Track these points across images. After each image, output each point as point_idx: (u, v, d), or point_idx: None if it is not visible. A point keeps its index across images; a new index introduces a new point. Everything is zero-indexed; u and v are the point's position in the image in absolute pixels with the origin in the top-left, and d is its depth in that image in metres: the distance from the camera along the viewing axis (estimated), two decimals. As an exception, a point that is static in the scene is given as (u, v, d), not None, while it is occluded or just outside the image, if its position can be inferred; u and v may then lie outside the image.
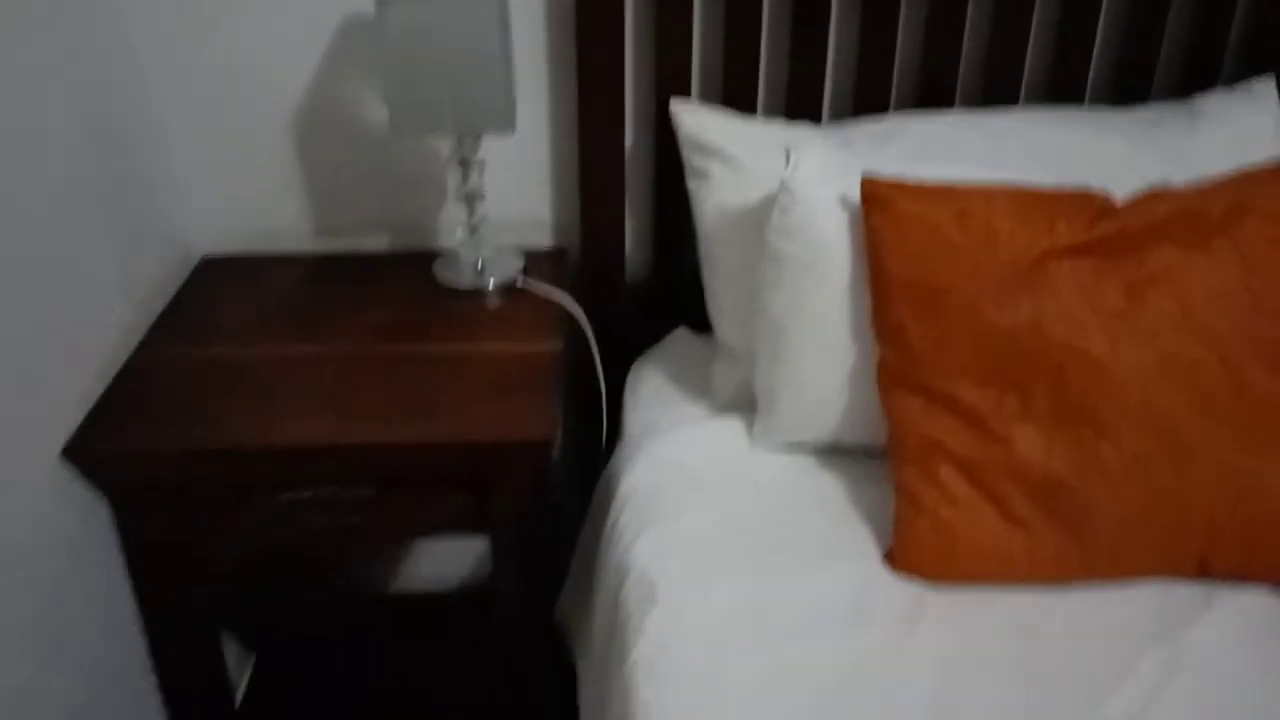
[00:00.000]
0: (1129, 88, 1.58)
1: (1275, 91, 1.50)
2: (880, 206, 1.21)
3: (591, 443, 1.64)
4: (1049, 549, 1.16)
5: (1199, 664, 1.09)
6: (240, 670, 1.83)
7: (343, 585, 2.01)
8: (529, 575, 1.43)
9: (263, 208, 1.66)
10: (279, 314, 1.53)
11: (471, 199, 1.53)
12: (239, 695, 1.79)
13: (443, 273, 1.59)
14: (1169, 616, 1.14)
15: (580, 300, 1.57)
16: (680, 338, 1.66)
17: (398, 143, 1.61)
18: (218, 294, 1.59)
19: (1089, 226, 1.16)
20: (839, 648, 1.10)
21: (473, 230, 1.56)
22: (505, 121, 1.42)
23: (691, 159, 1.49)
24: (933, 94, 1.58)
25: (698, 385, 1.53)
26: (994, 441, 1.17)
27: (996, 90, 1.57)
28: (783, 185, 1.29)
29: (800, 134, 1.47)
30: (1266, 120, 1.46)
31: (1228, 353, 1.13)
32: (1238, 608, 1.15)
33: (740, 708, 1.04)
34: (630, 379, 1.62)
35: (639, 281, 1.73)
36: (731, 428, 1.43)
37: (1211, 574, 1.18)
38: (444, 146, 1.59)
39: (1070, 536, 1.16)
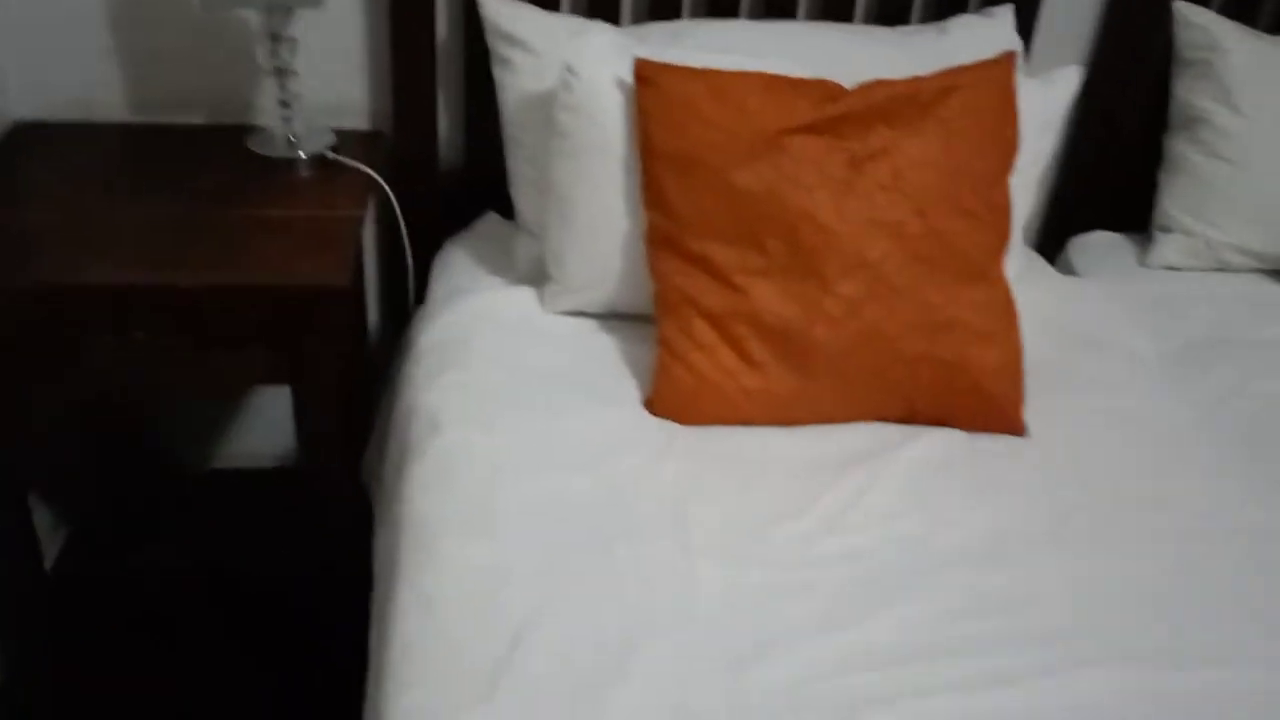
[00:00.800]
0: (891, 16, 1.76)
1: (1012, 16, 1.71)
2: (648, 84, 1.36)
3: (406, 319, 1.75)
4: (782, 389, 1.34)
5: (894, 481, 1.28)
6: (52, 542, 1.89)
7: (162, 460, 2.07)
8: (342, 437, 1.54)
9: (80, 78, 1.71)
10: (94, 178, 1.59)
11: (283, 74, 1.61)
12: (49, 563, 1.85)
13: (256, 146, 1.68)
14: (878, 447, 1.34)
15: (393, 183, 1.68)
16: (489, 220, 1.78)
17: (213, 16, 1.68)
18: (31, 158, 1.63)
19: (822, 108, 1.33)
20: (597, 475, 1.26)
21: (284, 105, 1.64)
22: (312, -5, 1.51)
23: (496, 47, 1.61)
24: (721, 7, 1.73)
25: (500, 261, 1.66)
26: (736, 293, 1.33)
27: (777, 10, 1.74)
28: (568, 65, 1.42)
29: (595, 26, 1.60)
30: (1003, 34, 1.66)
31: (928, 210, 1.32)
32: (935, 439, 1.35)
33: (508, 520, 1.18)
34: (438, 256, 1.73)
35: (453, 168, 1.84)
36: (526, 294, 1.57)
37: (916, 417, 1.38)
38: (255, 21, 1.66)
39: (799, 375, 1.34)
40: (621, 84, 1.40)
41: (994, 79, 1.37)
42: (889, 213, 1.33)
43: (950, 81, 1.36)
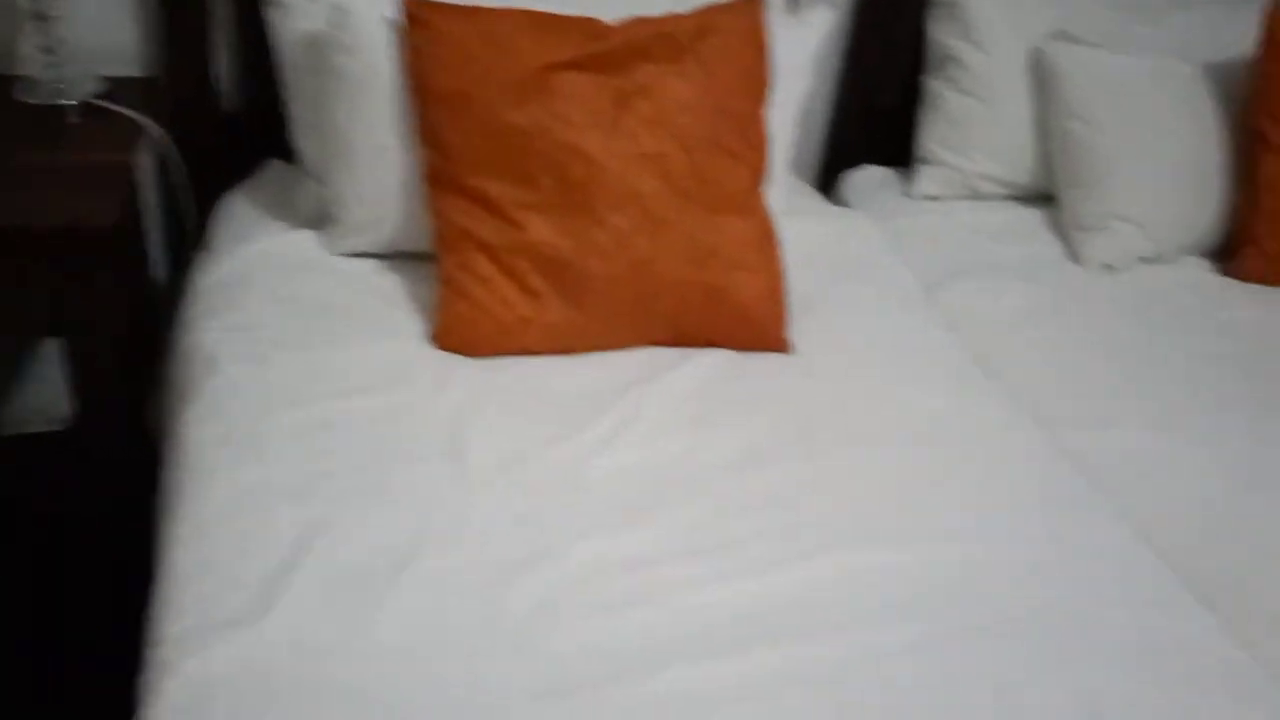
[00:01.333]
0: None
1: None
2: (417, 23, 1.39)
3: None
4: (559, 318, 1.40)
5: (665, 401, 1.36)
6: None
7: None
8: (119, 387, 1.52)
9: None
10: None
11: (43, 19, 1.56)
12: None
13: (21, 94, 1.62)
14: (650, 372, 1.41)
15: (171, 129, 1.65)
16: (272, 168, 1.77)
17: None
18: None
19: (587, 45, 1.39)
20: (374, 403, 1.29)
21: (48, 51, 1.59)
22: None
23: (269, -10, 1.59)
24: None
25: (284, 206, 1.66)
26: (512, 227, 1.38)
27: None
28: (336, 4, 1.43)
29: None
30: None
31: (691, 145, 1.40)
32: (705, 361, 1.44)
33: (280, 446, 1.21)
34: (220, 203, 1.71)
35: (235, 113, 1.81)
36: (309, 237, 1.58)
37: (688, 340, 1.46)
38: (13, -36, 1.60)
39: (574, 305, 1.40)
40: (392, 23, 1.42)
41: (746, 19, 1.45)
42: (654, 148, 1.39)
43: (705, 21, 1.43)
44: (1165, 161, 1.82)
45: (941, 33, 1.94)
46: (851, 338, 1.55)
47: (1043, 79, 1.88)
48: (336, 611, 1.01)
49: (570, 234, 1.38)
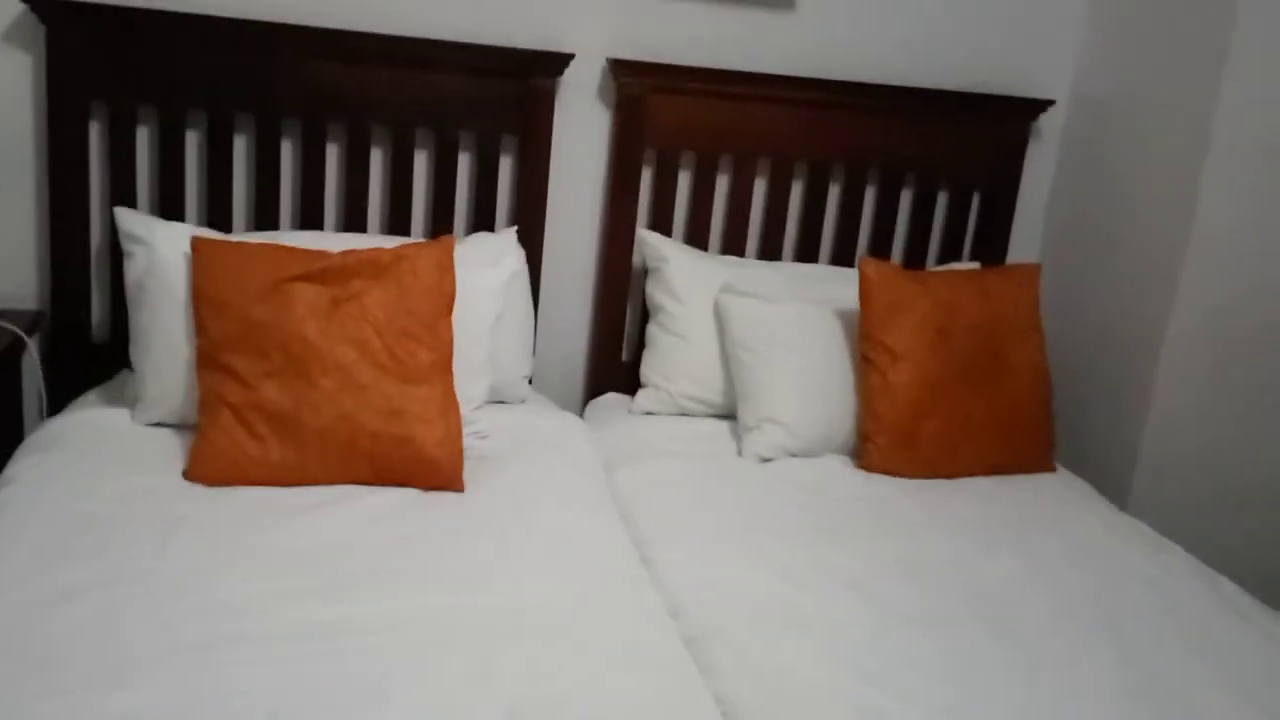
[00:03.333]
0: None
1: (514, 236, 2.44)
2: (200, 253, 1.99)
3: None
4: (279, 458, 1.90)
5: (358, 522, 1.82)
6: None
7: None
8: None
9: None
10: None
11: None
12: None
13: (-68, 314, 2.22)
14: (348, 497, 1.89)
15: (51, 352, 2.25)
16: (122, 375, 2.32)
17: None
18: None
19: (312, 265, 1.98)
20: (125, 509, 1.77)
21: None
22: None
23: (125, 244, 2.22)
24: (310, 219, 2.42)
25: (116, 397, 2.19)
26: (249, 390, 1.91)
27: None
28: (150, 247, 2.05)
29: (195, 229, 2.24)
30: (508, 246, 2.37)
31: (385, 334, 1.95)
32: (392, 494, 1.92)
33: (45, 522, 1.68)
34: (76, 399, 2.25)
35: (104, 340, 2.39)
36: (122, 414, 2.10)
37: (383, 479, 1.94)
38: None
39: (293, 449, 1.90)
40: (186, 256, 2.03)
41: (434, 253, 2.05)
42: (357, 334, 1.95)
43: (402, 253, 2.03)
44: (807, 379, 2.35)
45: (654, 290, 2.55)
46: (521, 486, 2.02)
47: (720, 321, 2.46)
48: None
49: (291, 394, 1.91)
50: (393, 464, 1.95)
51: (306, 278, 1.98)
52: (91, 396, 2.22)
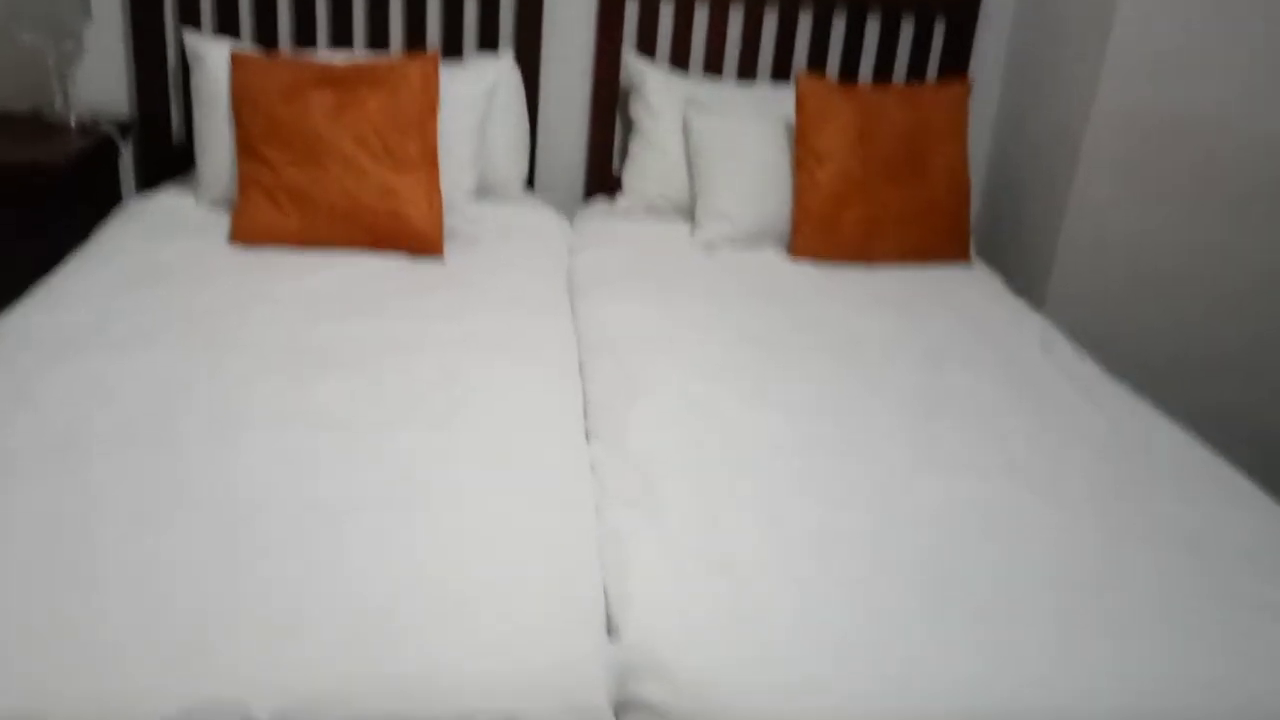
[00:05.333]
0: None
1: (512, 56, 2.87)
2: (237, 65, 2.49)
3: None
4: (299, 225, 2.42)
5: (352, 282, 2.33)
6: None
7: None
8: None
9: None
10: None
11: (63, 75, 2.74)
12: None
13: (48, 117, 2.79)
14: (347, 259, 2.40)
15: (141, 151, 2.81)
16: (194, 171, 2.87)
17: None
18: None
19: (324, 75, 2.46)
20: (185, 260, 2.32)
21: (64, 93, 2.76)
22: None
23: (190, 61, 2.73)
24: (340, 37, 2.89)
25: (185, 187, 2.74)
26: (275, 173, 2.42)
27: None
28: (200, 58, 2.57)
29: (241, 45, 2.74)
30: (505, 65, 2.81)
31: (380, 128, 2.43)
32: (387, 258, 2.42)
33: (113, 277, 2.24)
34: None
35: (182, 143, 2.94)
36: (187, 199, 2.65)
37: (380, 245, 2.45)
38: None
39: (308, 219, 2.41)
40: (228, 64, 2.53)
41: (421, 66, 2.50)
42: (358, 131, 2.43)
43: (396, 65, 2.49)
44: (751, 181, 2.74)
45: (635, 107, 2.95)
46: (493, 258, 2.50)
47: (685, 133, 2.85)
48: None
49: (307, 176, 2.41)
50: (387, 233, 2.45)
51: (320, 85, 2.46)
52: (169, 186, 2.78)
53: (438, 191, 2.48)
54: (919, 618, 1.46)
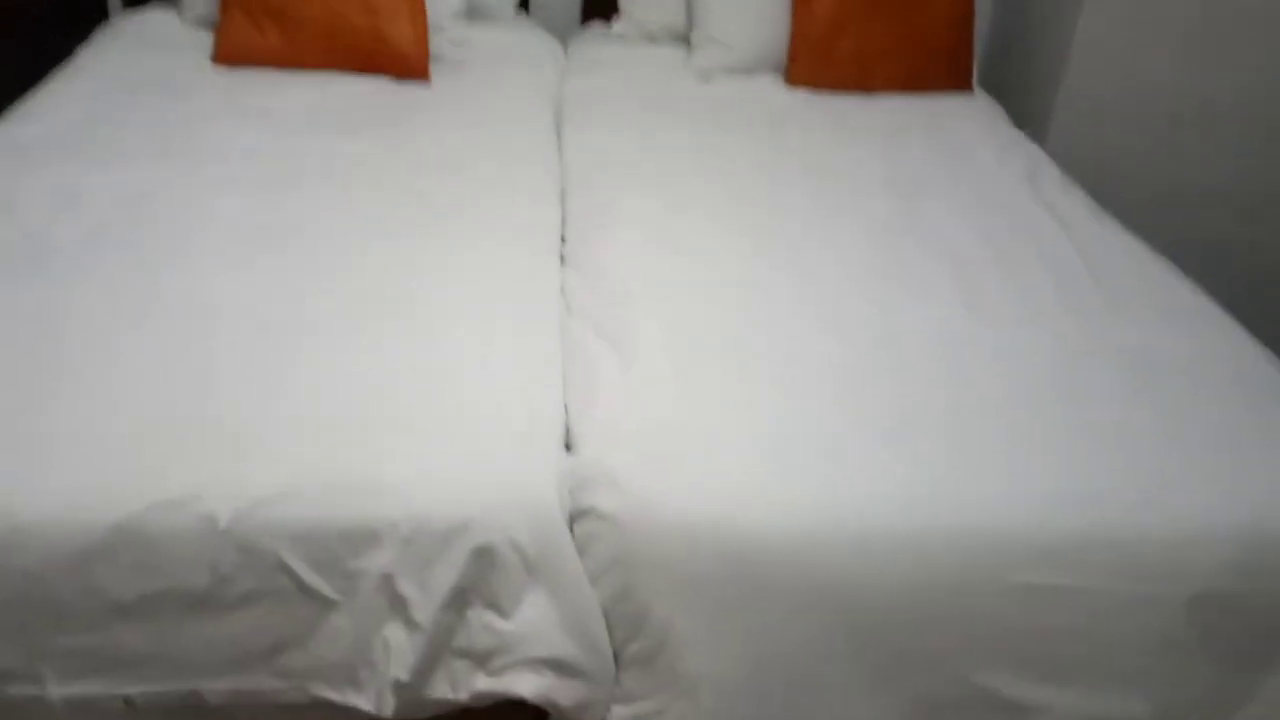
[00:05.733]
0: None
1: None
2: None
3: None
4: (279, 44, 2.37)
5: (345, 100, 2.29)
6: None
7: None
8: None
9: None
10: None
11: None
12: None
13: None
14: (333, 81, 2.35)
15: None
16: None
17: None
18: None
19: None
20: (165, 81, 2.28)
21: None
22: None
23: None
24: None
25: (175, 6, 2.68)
26: (256, -7, 2.37)
27: None
28: None
29: None
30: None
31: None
32: (372, 80, 2.38)
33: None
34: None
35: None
36: (174, 17, 2.59)
37: (369, 67, 2.39)
38: None
39: (289, 38, 2.36)
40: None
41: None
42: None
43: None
44: (748, 5, 2.64)
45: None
46: (480, 83, 2.45)
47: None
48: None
49: (290, -4, 2.36)
50: (369, 54, 2.39)
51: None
52: (155, 4, 2.71)
53: (422, 11, 2.42)
54: (871, 436, 1.48)
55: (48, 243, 1.68)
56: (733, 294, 1.76)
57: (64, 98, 2.17)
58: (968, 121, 2.51)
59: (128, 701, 1.34)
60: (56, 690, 1.31)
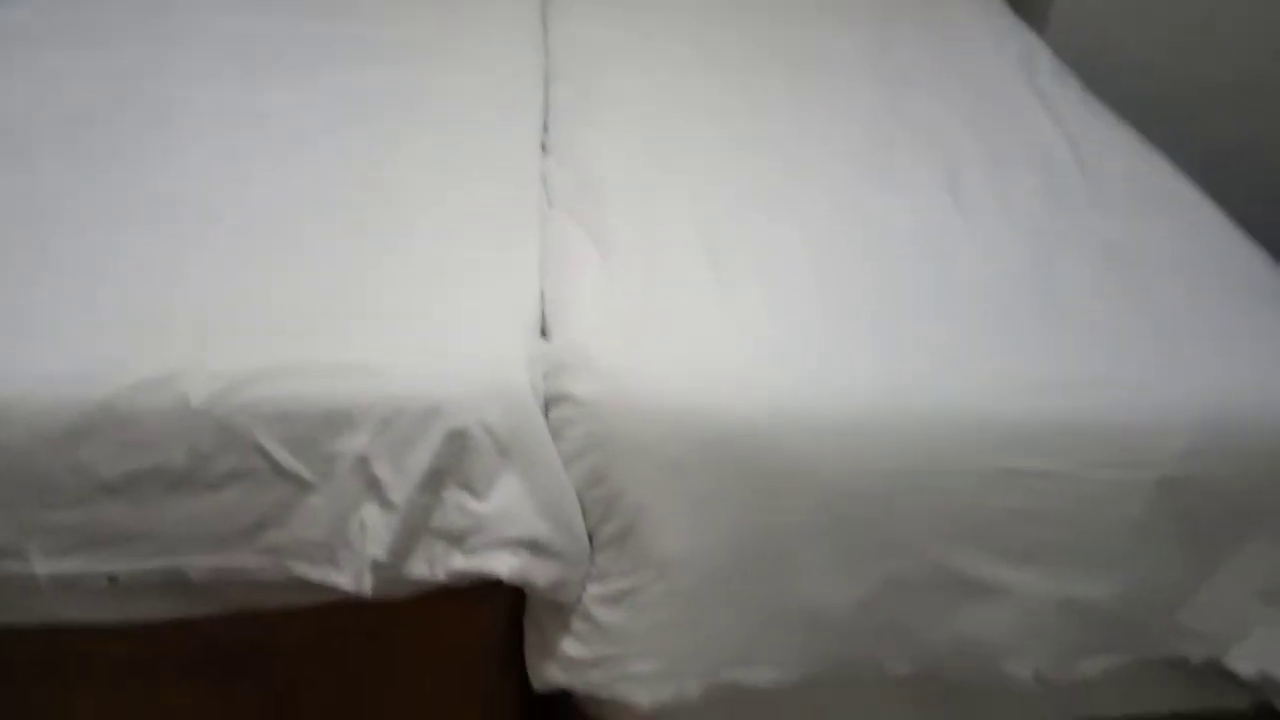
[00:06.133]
0: None
1: None
2: None
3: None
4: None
5: None
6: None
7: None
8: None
9: None
10: None
11: None
12: None
13: None
14: None
15: None
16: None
17: None
18: None
19: None
20: None
21: None
22: None
23: None
24: None
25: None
26: None
27: None
28: None
29: None
30: None
31: None
32: None
33: None
34: None
35: None
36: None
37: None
38: None
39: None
40: None
41: None
42: None
43: None
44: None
45: None
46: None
47: None
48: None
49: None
50: None
51: None
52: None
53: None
54: (850, 322, 1.49)
55: (29, 127, 1.67)
56: (713, 186, 1.75)
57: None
58: (963, 9, 2.45)
59: (112, 579, 1.37)
60: (43, 567, 1.35)
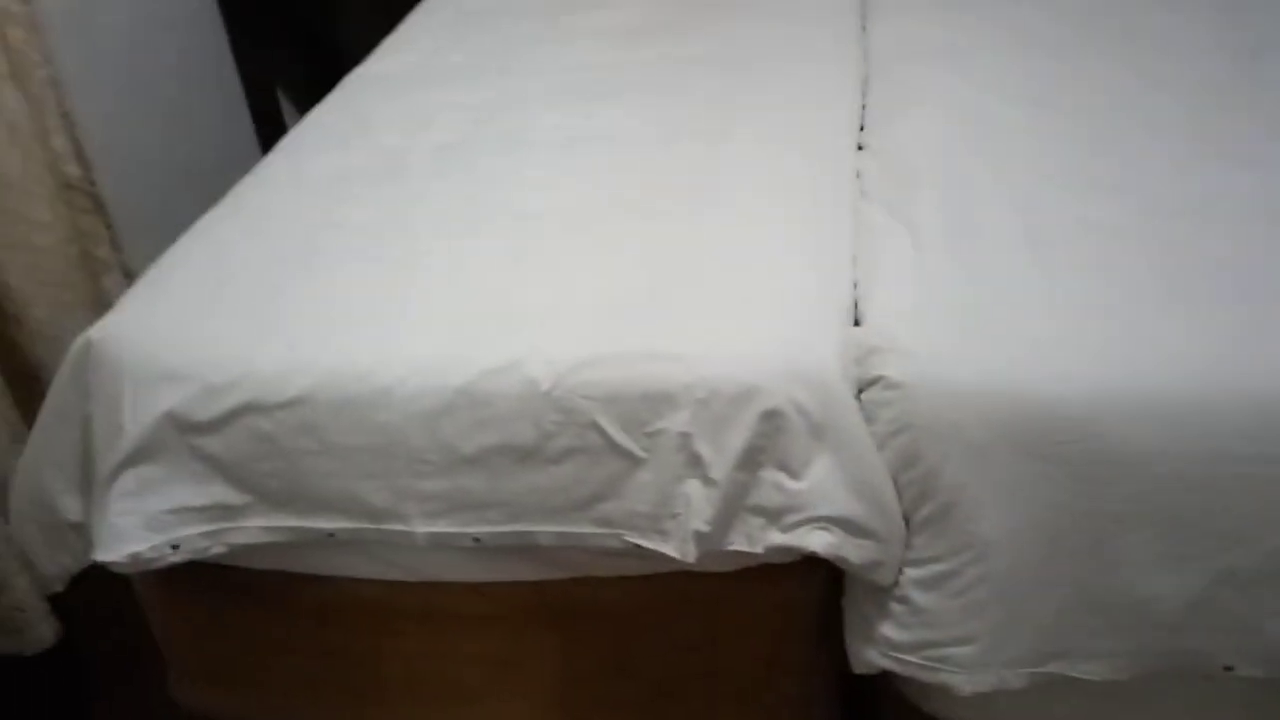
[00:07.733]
0: None
1: None
2: None
3: None
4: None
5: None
6: None
7: None
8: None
9: None
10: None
11: None
12: None
13: None
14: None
15: None
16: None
17: None
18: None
19: None
20: (487, 31, 2.51)
21: None
22: None
23: None
24: None
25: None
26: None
27: None
28: None
29: None
30: None
31: None
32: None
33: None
34: None
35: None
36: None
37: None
38: None
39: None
40: None
41: None
42: None
43: None
44: None
45: None
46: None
47: None
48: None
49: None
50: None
51: None
52: None
53: None
54: (1165, 303, 1.42)
55: (400, 157, 1.94)
56: (1035, 168, 1.72)
57: (418, 31, 2.46)
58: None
59: (476, 540, 1.56)
60: (420, 528, 1.56)
